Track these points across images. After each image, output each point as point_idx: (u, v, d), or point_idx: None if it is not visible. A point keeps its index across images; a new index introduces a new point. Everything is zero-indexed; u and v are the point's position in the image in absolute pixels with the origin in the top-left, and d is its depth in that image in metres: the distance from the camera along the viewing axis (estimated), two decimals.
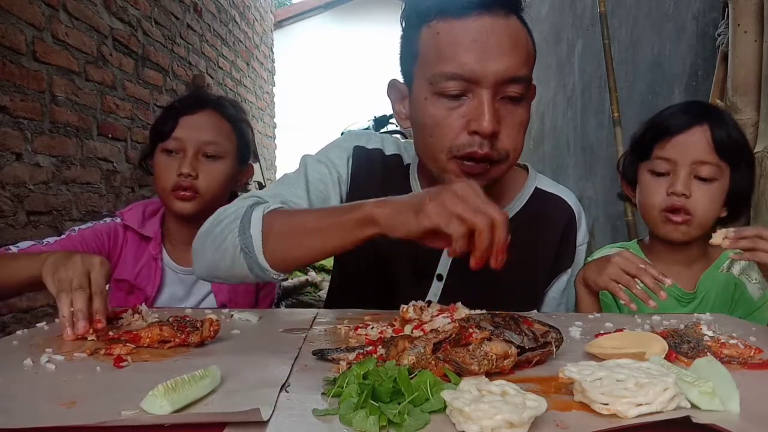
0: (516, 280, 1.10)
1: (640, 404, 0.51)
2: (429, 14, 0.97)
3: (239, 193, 1.45)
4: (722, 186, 1.15)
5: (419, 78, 0.99)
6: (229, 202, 1.40)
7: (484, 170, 0.96)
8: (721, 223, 1.21)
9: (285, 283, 4.35)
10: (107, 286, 0.92)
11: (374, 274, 1.13)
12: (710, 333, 0.79)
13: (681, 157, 1.14)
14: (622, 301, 0.99)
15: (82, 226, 1.34)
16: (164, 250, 1.36)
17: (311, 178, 1.09)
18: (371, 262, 1.12)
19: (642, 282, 0.97)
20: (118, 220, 1.37)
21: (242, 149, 1.39)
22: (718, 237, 0.98)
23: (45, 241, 1.25)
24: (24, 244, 1.22)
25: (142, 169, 1.42)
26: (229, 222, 0.95)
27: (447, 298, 0.95)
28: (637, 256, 1.01)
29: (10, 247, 1.19)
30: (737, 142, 1.16)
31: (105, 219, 1.38)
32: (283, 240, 0.90)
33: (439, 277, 1.11)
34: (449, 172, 0.97)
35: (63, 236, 1.29)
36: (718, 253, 1.23)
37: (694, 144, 1.14)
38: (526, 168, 1.19)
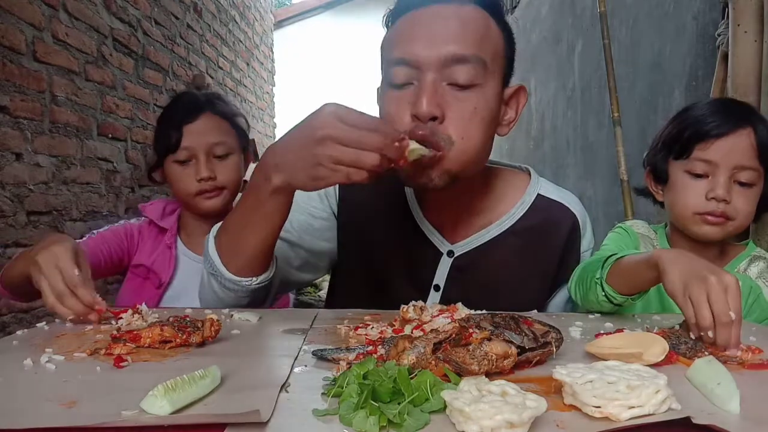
0: (515, 291, 1.09)
1: (632, 407, 0.50)
2: (396, 15, 0.99)
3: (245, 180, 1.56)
4: (759, 191, 1.13)
5: (381, 72, 1.01)
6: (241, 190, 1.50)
7: (431, 155, 0.90)
8: None
9: None
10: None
11: (371, 284, 1.12)
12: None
13: (723, 161, 1.10)
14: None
15: (100, 230, 1.43)
16: (179, 240, 1.45)
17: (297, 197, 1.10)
18: (367, 272, 1.11)
19: (717, 334, 0.74)
20: (133, 221, 1.47)
21: (242, 139, 1.48)
22: None
23: None
24: None
25: (152, 182, 1.49)
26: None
27: None
28: (739, 295, 0.75)
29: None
30: None
31: (120, 221, 1.49)
32: (231, 248, 0.96)
33: (437, 288, 1.10)
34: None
35: (84, 239, 1.38)
36: (735, 254, 1.21)
37: (739, 148, 1.10)
38: (529, 172, 1.16)
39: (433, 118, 0.90)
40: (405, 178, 0.98)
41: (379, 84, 1.07)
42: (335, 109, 0.80)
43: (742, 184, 1.11)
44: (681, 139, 1.16)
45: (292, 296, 1.53)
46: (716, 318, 0.74)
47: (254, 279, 0.97)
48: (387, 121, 0.95)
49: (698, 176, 1.13)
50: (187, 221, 1.46)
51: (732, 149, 1.10)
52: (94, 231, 1.42)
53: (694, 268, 0.79)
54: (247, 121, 1.54)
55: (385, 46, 0.99)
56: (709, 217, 1.12)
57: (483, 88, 0.93)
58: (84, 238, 1.39)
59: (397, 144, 0.82)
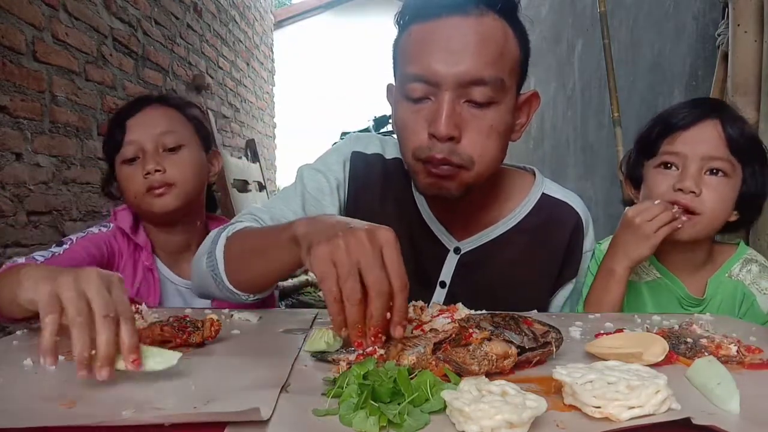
0: (520, 288, 1.09)
1: (632, 407, 0.50)
2: (410, 20, 0.96)
3: (214, 187, 1.45)
4: (734, 184, 1.09)
5: (396, 81, 1.00)
6: (207, 196, 1.39)
7: (449, 173, 0.93)
8: (731, 227, 1.15)
9: (285, 283, 4.34)
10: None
11: None
12: (704, 333, 0.78)
13: (691, 152, 1.08)
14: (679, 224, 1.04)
15: (79, 235, 1.23)
16: (159, 261, 1.30)
17: (309, 188, 1.09)
18: None
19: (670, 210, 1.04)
20: (102, 230, 1.26)
21: (202, 135, 1.33)
22: None
23: (50, 252, 1.14)
24: (39, 255, 1.11)
25: (108, 196, 1.34)
26: (207, 245, 0.98)
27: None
28: (646, 201, 1.09)
29: (16, 259, 1.08)
30: (750, 139, 1.10)
31: (87, 230, 1.26)
32: (238, 262, 0.92)
33: (442, 284, 1.10)
34: (419, 174, 0.96)
35: (63, 247, 1.16)
36: (724, 258, 1.17)
37: (705, 138, 1.08)
38: (533, 173, 1.16)
39: (450, 138, 0.90)
40: (423, 188, 0.98)
41: (387, 82, 1.06)
42: (392, 238, 0.69)
43: (714, 174, 1.07)
44: (650, 137, 1.15)
45: (276, 292, 1.42)
46: (663, 210, 1.06)
47: (251, 296, 0.95)
48: (403, 129, 0.95)
49: (668, 169, 1.11)
50: (155, 238, 1.30)
51: (698, 140, 1.08)
52: (72, 238, 1.20)
53: (617, 240, 1.10)
54: (206, 115, 1.44)
55: (401, 55, 0.97)
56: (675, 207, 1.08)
57: (499, 105, 0.93)
58: (63, 247, 1.16)
59: (388, 317, 0.66)
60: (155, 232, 1.30)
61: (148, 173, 1.20)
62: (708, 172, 1.08)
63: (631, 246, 1.06)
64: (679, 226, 1.05)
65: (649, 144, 1.16)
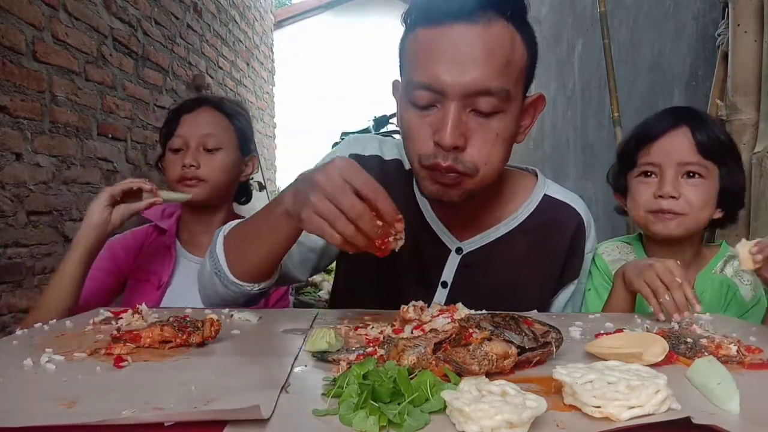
0: (522, 289, 1.10)
1: (632, 407, 0.50)
2: (417, 21, 0.95)
3: (251, 183, 1.62)
4: (712, 185, 1.16)
5: (402, 83, 1.00)
6: (238, 193, 1.56)
7: (454, 181, 0.94)
8: (717, 224, 1.23)
9: None
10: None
11: (378, 281, 1.12)
12: (704, 333, 0.78)
13: (665, 160, 1.16)
14: (650, 309, 0.97)
15: (118, 236, 1.46)
16: (178, 242, 1.48)
17: None
18: (375, 268, 1.11)
19: (673, 295, 0.93)
20: (116, 236, 1.46)
21: (242, 140, 1.49)
22: (744, 255, 0.94)
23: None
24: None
25: (157, 169, 1.54)
26: (207, 249, 1.03)
27: None
28: (680, 270, 0.97)
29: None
30: (720, 141, 1.17)
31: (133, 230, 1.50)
32: (238, 252, 0.96)
33: (444, 285, 1.10)
34: (424, 180, 0.97)
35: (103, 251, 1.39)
36: (711, 255, 1.24)
37: (676, 146, 1.16)
38: (536, 173, 1.17)
39: (455, 147, 0.91)
40: (427, 193, 0.99)
41: (393, 79, 1.06)
42: (344, 164, 0.78)
43: (690, 176, 1.15)
44: (628, 150, 1.24)
45: (291, 298, 1.53)
46: (668, 285, 0.94)
47: (256, 285, 0.97)
48: (409, 133, 0.96)
49: (648, 178, 1.20)
50: (188, 221, 1.49)
51: (671, 147, 1.16)
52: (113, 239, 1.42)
53: (641, 263, 1.02)
54: (249, 123, 1.55)
55: (407, 58, 0.97)
56: (661, 214, 1.16)
57: (505, 113, 0.93)
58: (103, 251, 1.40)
59: (380, 224, 0.77)
60: (185, 211, 1.51)
61: (184, 166, 1.39)
62: (685, 176, 1.16)
63: (629, 267, 1.05)
64: (651, 309, 0.97)
65: (628, 156, 1.24)
